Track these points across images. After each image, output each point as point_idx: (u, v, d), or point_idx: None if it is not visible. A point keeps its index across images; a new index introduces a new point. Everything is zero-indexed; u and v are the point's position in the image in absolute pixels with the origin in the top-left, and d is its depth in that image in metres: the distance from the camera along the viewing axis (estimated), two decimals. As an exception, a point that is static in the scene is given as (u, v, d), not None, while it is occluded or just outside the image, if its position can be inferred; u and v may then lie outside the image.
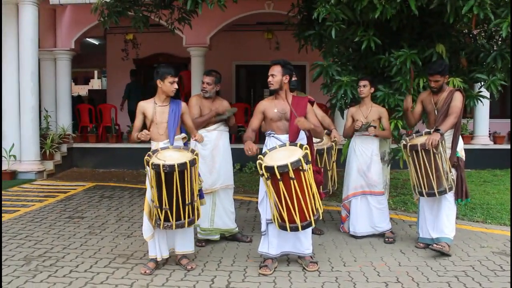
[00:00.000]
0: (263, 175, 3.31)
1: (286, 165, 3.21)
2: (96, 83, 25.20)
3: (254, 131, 3.77)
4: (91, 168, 9.61)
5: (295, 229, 3.42)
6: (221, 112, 4.34)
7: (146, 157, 3.48)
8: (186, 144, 3.94)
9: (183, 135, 3.89)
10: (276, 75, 3.67)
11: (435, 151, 3.82)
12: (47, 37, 9.74)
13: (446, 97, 4.12)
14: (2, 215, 5.60)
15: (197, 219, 3.64)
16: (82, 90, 22.81)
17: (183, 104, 3.91)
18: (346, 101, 5.43)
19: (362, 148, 4.61)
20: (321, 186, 4.36)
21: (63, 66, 9.78)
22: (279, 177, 3.24)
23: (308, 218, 3.42)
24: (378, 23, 5.17)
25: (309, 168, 3.37)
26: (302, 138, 3.69)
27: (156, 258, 3.77)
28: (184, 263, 3.80)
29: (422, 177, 3.92)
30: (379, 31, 5.27)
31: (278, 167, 3.22)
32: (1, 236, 4.59)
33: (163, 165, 3.34)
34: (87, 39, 13.29)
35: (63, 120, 9.73)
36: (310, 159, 3.37)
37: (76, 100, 12.88)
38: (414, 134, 4.14)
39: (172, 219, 3.48)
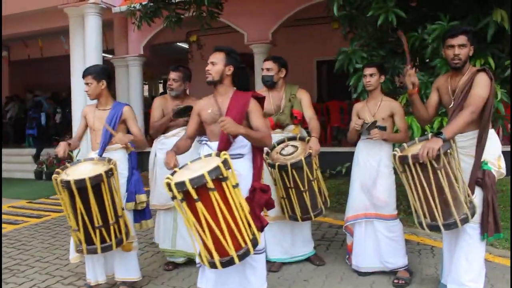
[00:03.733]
0: (175, 197, 2.52)
1: (202, 176, 2.40)
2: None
3: (190, 138, 3.00)
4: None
5: (228, 263, 2.56)
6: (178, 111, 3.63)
7: (54, 173, 2.99)
8: (131, 154, 3.38)
9: (119, 145, 3.32)
10: (216, 64, 2.85)
11: (435, 165, 2.58)
12: (120, 44, 10.10)
13: (466, 82, 2.82)
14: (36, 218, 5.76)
15: (116, 246, 3.01)
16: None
17: (126, 108, 3.36)
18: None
19: (367, 157, 3.49)
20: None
21: (135, 72, 10.03)
22: (195, 196, 2.43)
23: (244, 244, 2.53)
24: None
25: (233, 185, 2.50)
26: (243, 145, 2.81)
27: (90, 282, 3.28)
28: (119, 292, 3.27)
29: (420, 202, 2.71)
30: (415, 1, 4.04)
31: (191, 180, 2.41)
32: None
33: (61, 181, 2.83)
34: (178, 43, 13.68)
35: (136, 125, 9.94)
36: (231, 166, 2.51)
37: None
38: (416, 139, 2.90)
39: (82, 243, 2.95)
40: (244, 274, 2.86)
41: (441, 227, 2.65)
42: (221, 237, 2.48)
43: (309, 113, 3.70)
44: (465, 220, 2.65)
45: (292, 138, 3.66)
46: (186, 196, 2.45)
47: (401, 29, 4.26)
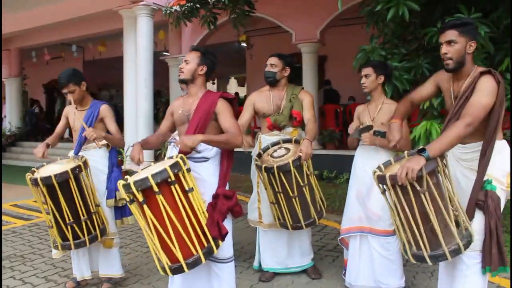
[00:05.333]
0: (125, 199, 2.46)
1: (146, 179, 2.32)
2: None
3: (162, 135, 2.92)
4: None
5: (177, 270, 2.46)
6: None
7: (30, 172, 3.07)
8: (111, 152, 3.38)
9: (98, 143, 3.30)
10: (189, 62, 2.76)
11: (418, 188, 2.17)
12: (175, 44, 10.36)
13: (468, 86, 2.36)
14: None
15: (90, 242, 3.03)
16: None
17: (103, 107, 3.36)
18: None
19: (363, 164, 3.18)
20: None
21: (187, 72, 10.21)
22: (141, 198, 2.37)
23: (195, 252, 2.42)
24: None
25: (186, 189, 2.39)
26: (207, 149, 2.66)
27: (76, 277, 3.36)
28: (103, 288, 3.31)
29: (403, 227, 2.33)
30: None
31: (135, 182, 2.35)
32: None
33: (31, 179, 2.93)
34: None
35: (186, 123, 10.14)
36: (184, 169, 2.40)
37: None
38: (405, 153, 2.41)
39: (57, 239, 3.02)
40: (210, 283, 2.74)
41: (427, 259, 2.24)
42: (169, 242, 2.38)
43: (308, 115, 3.46)
44: (456, 252, 2.22)
45: (287, 141, 3.44)
46: (146, 195, 2.37)
47: (427, 24, 3.87)
